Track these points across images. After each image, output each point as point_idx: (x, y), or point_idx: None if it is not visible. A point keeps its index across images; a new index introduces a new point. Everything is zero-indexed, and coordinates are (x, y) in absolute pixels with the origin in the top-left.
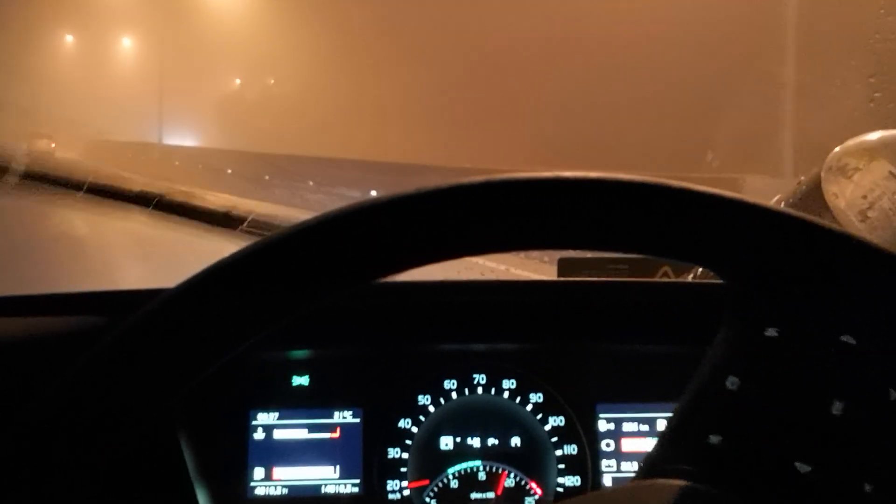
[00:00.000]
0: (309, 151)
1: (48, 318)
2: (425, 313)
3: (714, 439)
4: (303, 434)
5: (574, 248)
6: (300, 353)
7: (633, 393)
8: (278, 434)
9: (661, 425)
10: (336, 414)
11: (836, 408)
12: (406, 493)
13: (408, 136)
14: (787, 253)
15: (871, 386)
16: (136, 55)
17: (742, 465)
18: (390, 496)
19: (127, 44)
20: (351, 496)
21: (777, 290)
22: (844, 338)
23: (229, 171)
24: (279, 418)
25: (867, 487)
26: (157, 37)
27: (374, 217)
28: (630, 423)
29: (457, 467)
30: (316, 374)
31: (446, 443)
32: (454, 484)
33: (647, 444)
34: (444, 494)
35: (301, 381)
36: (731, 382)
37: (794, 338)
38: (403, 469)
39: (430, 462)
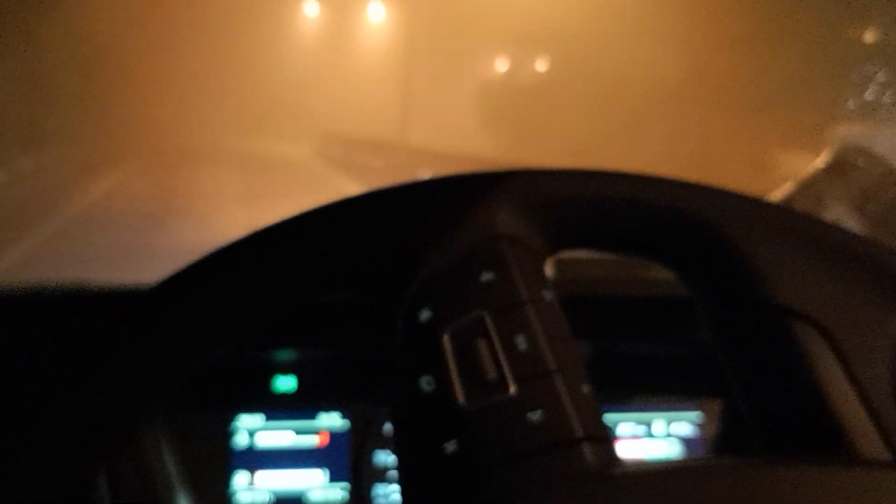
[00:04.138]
0: (599, 162)
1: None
2: None
3: (450, 447)
4: (288, 438)
5: None
6: (285, 354)
7: (630, 395)
8: (262, 438)
9: (658, 428)
10: (323, 416)
11: (521, 342)
12: (395, 497)
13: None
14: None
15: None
16: (377, 29)
17: (488, 456)
18: (379, 501)
19: (369, 17)
20: (339, 502)
21: (402, 268)
22: (485, 276)
23: None
24: (263, 422)
25: (585, 389)
26: (404, 8)
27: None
28: (626, 426)
29: None
30: (302, 375)
31: None
32: None
33: (644, 448)
34: None
35: (286, 382)
36: (426, 382)
37: (445, 306)
38: (393, 473)
39: None
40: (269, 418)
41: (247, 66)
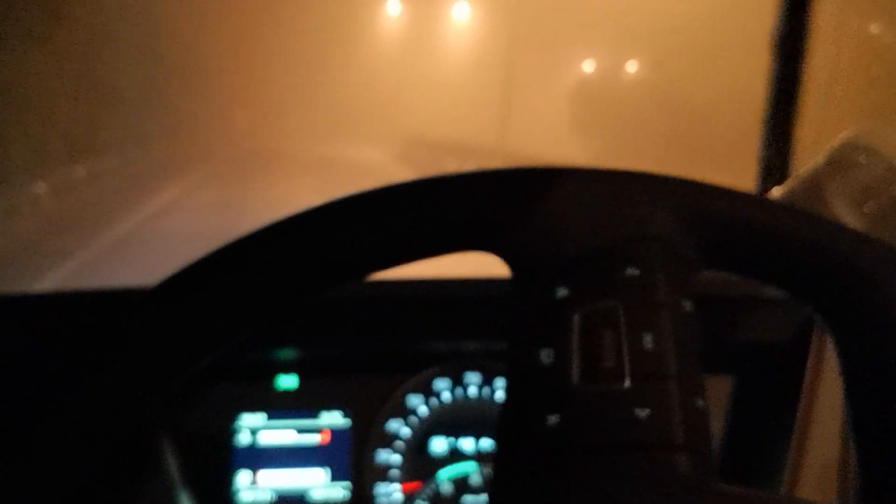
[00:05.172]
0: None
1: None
2: (416, 311)
3: (552, 419)
4: (290, 437)
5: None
6: (287, 353)
7: None
8: (265, 437)
9: None
10: (324, 415)
11: (647, 340)
12: (397, 496)
13: None
14: (542, 206)
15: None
16: (460, 31)
17: (587, 437)
18: (381, 500)
19: (452, 18)
20: (340, 501)
21: (552, 244)
22: (630, 271)
23: None
24: (265, 420)
25: (699, 403)
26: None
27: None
28: None
29: (449, 470)
30: (303, 374)
31: (439, 445)
32: (447, 487)
33: None
34: (437, 498)
35: (288, 381)
36: (546, 355)
37: (583, 289)
38: (395, 472)
39: (421, 465)
40: (270, 417)
41: (325, 67)
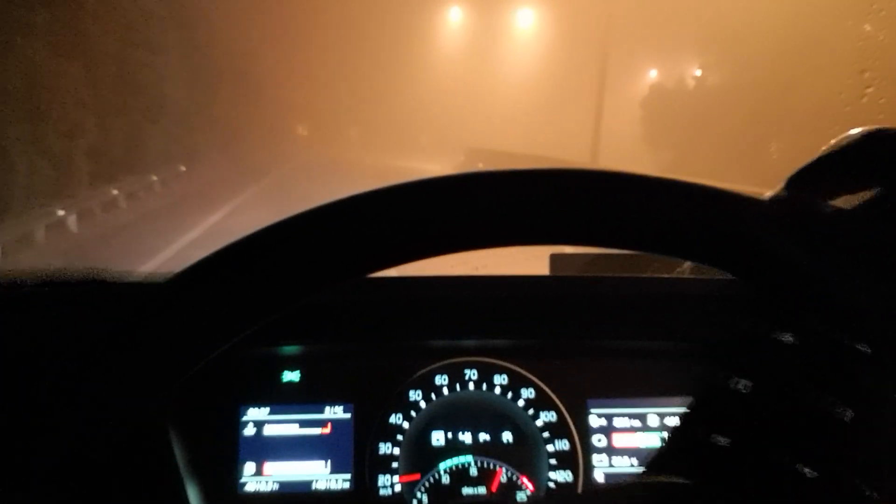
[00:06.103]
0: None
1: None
2: (417, 308)
3: (721, 440)
4: (293, 429)
5: (596, 244)
6: (291, 349)
7: (625, 388)
8: (269, 429)
9: (653, 420)
10: (327, 409)
11: (847, 415)
12: (397, 488)
13: None
14: (808, 255)
15: (883, 394)
16: (522, 44)
17: (747, 467)
18: (381, 491)
19: (514, 32)
20: (342, 491)
21: (797, 295)
22: (861, 346)
23: None
24: (270, 414)
25: (870, 493)
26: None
27: (372, 208)
28: (621, 419)
29: (448, 462)
30: (307, 369)
31: (438, 438)
32: (445, 479)
33: (639, 440)
34: (436, 489)
35: (292, 376)
36: (743, 385)
37: (811, 344)
38: (394, 464)
39: (421, 457)
40: (275, 411)
41: (384, 81)
